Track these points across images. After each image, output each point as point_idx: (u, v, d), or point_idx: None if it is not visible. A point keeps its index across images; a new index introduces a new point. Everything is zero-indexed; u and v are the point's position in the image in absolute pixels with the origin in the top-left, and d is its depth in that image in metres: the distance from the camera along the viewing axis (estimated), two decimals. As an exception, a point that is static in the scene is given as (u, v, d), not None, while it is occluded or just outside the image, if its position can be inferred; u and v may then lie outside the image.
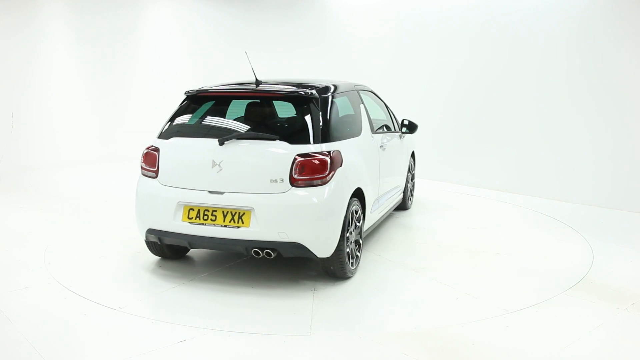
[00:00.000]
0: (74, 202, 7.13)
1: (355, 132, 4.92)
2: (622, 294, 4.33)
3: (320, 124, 4.34)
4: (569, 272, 4.79)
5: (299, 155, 4.16)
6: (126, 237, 5.50)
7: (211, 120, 4.72)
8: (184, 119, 4.71)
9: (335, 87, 4.89)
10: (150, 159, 4.54)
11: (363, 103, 5.35)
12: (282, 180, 4.12)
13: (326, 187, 4.18)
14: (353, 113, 5.13)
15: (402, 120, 6.31)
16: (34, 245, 5.33)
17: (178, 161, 4.44)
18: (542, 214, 6.80)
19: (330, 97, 4.61)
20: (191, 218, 4.28)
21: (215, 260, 4.97)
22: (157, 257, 5.01)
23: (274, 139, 4.26)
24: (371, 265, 4.93)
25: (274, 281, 4.51)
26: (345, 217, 4.35)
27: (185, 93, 4.81)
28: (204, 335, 3.57)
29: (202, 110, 4.78)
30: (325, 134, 4.33)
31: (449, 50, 8.64)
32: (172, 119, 4.74)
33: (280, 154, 4.18)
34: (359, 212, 4.67)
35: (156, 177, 4.49)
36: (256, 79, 4.86)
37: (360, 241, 4.73)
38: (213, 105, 4.79)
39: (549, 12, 7.51)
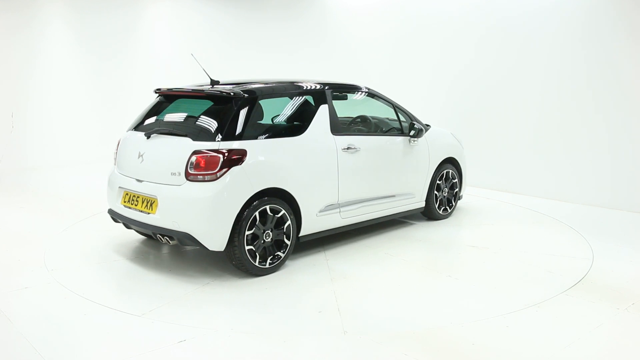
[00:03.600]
0: (74, 202, 7.13)
1: (291, 132, 4.88)
2: (622, 294, 4.33)
3: (226, 122, 4.49)
4: (569, 272, 4.79)
5: (195, 151, 4.38)
6: (126, 237, 5.50)
7: (153, 116, 5.08)
8: (142, 114, 5.17)
9: (269, 87, 4.95)
10: (117, 149, 5.17)
11: (328, 103, 5.16)
12: (179, 173, 4.41)
13: (216, 184, 4.31)
14: (298, 113, 5.05)
15: (413, 124, 5.89)
16: (34, 245, 5.33)
17: (123, 151, 5.03)
18: (542, 214, 6.80)
19: (247, 97, 4.62)
20: (126, 202, 4.82)
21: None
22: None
23: (183, 135, 4.56)
24: (301, 267, 4.83)
25: (191, 269, 4.55)
26: (243, 215, 4.39)
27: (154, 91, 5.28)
28: (204, 335, 3.57)
29: (156, 107, 5.15)
30: (230, 132, 4.44)
31: (450, 51, 8.64)
32: (140, 116, 5.19)
33: (181, 149, 4.46)
34: (283, 212, 4.65)
35: (115, 164, 5.13)
36: (211, 80, 5.11)
37: (287, 242, 4.71)
38: (162, 103, 5.16)
39: (550, 15, 7.50)
